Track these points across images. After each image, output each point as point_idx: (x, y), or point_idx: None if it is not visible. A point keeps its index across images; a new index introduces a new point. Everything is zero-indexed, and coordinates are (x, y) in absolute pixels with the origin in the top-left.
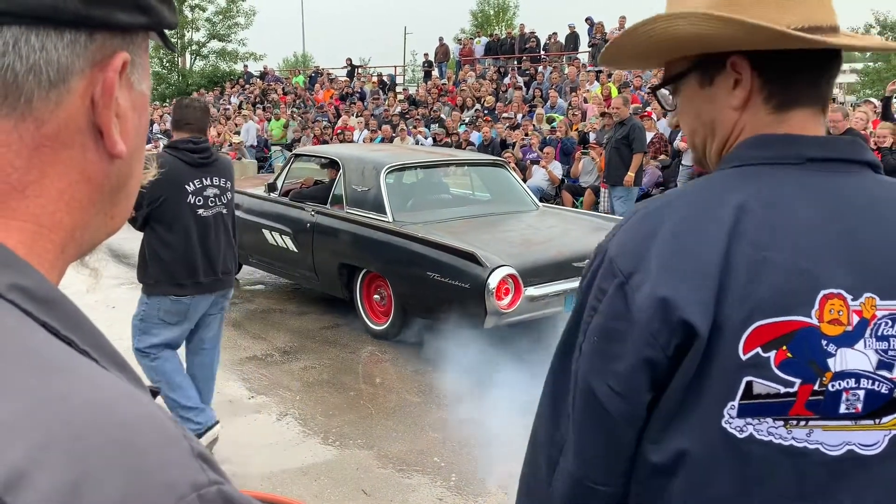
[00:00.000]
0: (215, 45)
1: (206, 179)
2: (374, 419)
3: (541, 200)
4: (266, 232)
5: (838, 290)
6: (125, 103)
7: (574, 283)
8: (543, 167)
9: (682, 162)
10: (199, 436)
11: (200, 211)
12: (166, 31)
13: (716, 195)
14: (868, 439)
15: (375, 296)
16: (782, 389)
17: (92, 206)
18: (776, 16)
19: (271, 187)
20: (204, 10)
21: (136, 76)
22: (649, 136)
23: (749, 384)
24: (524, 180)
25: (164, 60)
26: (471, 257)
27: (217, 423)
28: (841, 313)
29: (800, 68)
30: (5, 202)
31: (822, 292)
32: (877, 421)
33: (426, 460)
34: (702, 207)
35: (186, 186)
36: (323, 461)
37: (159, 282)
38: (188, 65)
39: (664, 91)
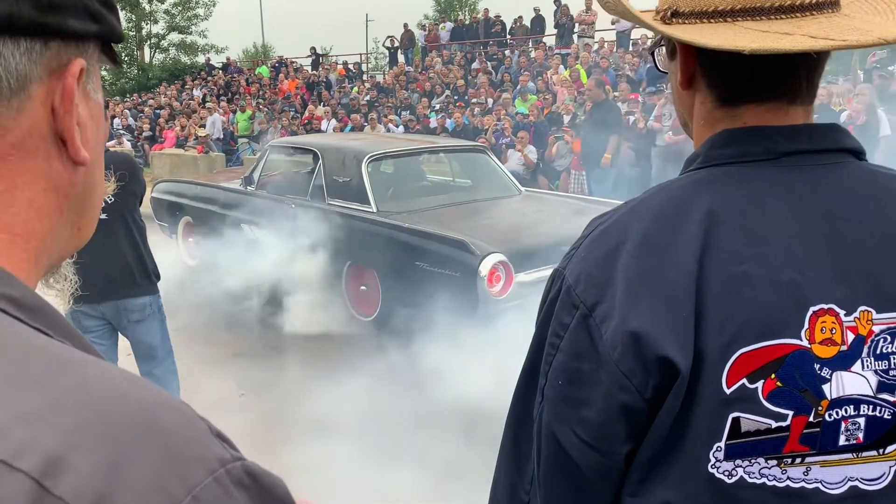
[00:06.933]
0: (175, 37)
1: None
2: (370, 412)
3: None
4: (245, 227)
5: (829, 304)
6: (84, 112)
7: None
8: (519, 150)
9: (656, 142)
10: None
11: None
12: (113, 46)
13: (682, 203)
14: (872, 472)
15: (362, 287)
16: (773, 424)
17: (60, 216)
18: None
19: (248, 181)
20: (162, 0)
21: (92, 85)
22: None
23: (736, 421)
24: None
25: (123, 54)
26: (460, 245)
27: None
28: (834, 331)
29: (744, 56)
30: None
31: (812, 309)
32: (881, 451)
33: (425, 451)
34: (667, 219)
35: None
36: (321, 456)
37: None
38: (147, 58)
39: (662, 54)
